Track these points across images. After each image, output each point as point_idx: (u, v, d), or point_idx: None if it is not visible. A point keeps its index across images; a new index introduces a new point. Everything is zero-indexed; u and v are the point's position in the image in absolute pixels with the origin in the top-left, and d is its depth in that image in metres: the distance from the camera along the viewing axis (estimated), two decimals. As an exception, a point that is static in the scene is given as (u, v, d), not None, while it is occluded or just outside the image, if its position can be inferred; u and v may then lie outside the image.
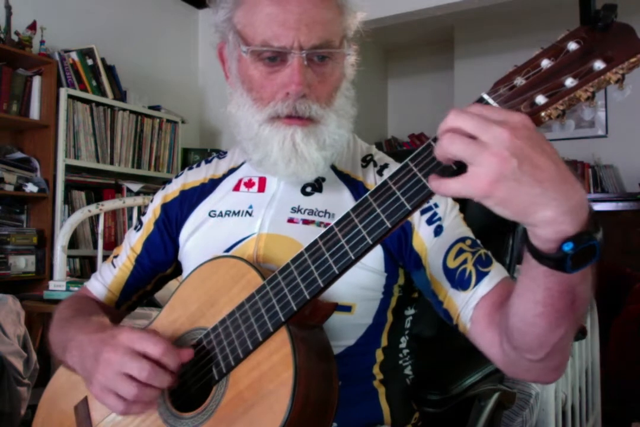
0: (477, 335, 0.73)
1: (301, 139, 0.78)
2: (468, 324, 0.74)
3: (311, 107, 0.78)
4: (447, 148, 0.50)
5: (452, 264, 0.77)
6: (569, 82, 0.49)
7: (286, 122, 0.79)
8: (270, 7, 0.76)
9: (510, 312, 0.62)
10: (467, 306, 0.74)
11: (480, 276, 0.75)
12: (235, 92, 0.84)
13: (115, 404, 0.66)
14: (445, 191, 0.51)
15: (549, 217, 0.49)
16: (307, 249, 0.65)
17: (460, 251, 0.77)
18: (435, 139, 0.56)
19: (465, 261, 0.76)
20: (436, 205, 0.82)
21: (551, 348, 0.62)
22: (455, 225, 0.82)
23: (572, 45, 0.49)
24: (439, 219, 0.81)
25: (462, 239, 0.79)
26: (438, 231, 0.80)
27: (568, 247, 0.49)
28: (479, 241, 0.81)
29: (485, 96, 0.53)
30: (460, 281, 0.75)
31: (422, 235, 0.81)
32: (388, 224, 0.57)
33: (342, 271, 0.62)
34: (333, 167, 0.89)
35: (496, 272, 0.75)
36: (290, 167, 0.80)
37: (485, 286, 0.74)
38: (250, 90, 0.81)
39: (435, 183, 0.52)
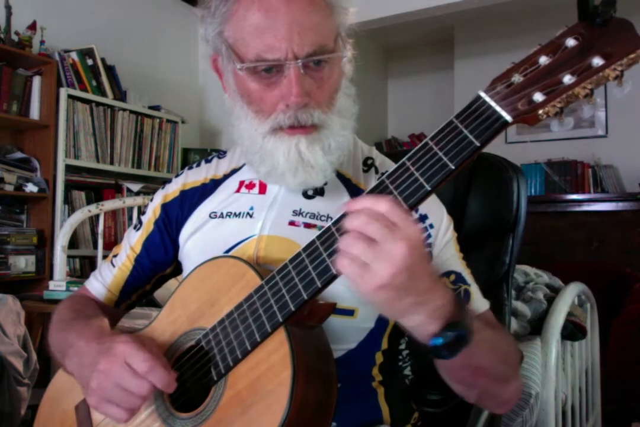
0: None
1: (306, 147, 0.77)
2: None
3: (313, 114, 0.77)
4: (348, 248, 0.55)
5: None
6: (567, 79, 0.48)
7: (289, 133, 0.78)
8: (259, 19, 0.74)
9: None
10: None
11: None
12: (235, 105, 0.82)
13: (118, 414, 0.67)
14: (340, 268, 0.57)
15: (417, 320, 0.58)
16: (305, 249, 0.64)
17: None
18: (433, 138, 0.56)
19: None
20: (431, 226, 0.83)
21: (476, 398, 0.73)
22: (444, 255, 0.83)
23: (571, 42, 0.48)
24: (429, 244, 0.82)
25: (447, 274, 0.81)
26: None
27: (436, 342, 0.59)
28: (464, 273, 0.84)
29: (482, 94, 0.52)
30: None
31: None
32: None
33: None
34: (335, 170, 0.88)
35: (472, 309, 0.78)
36: (298, 176, 0.79)
37: None
38: (250, 103, 0.79)
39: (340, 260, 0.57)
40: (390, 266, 0.53)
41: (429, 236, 0.82)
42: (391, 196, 0.57)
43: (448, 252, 0.84)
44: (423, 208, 0.82)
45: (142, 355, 0.67)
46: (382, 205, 0.55)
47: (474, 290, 0.84)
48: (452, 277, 0.81)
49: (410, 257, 0.53)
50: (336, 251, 0.61)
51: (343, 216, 0.61)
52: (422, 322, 0.58)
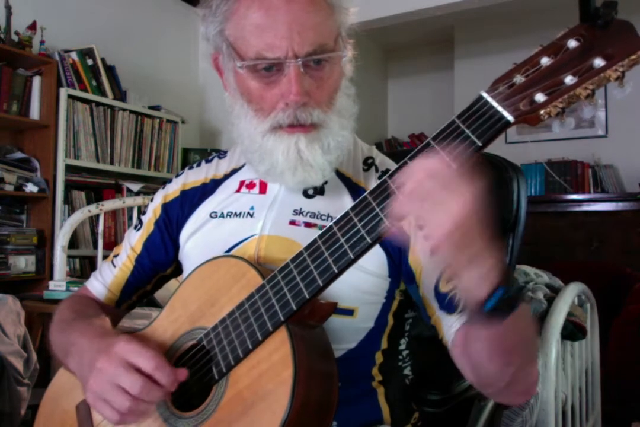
0: (455, 356, 0.75)
1: (305, 146, 0.78)
2: (449, 344, 0.76)
3: (312, 113, 0.77)
4: (402, 208, 0.55)
5: (444, 288, 0.77)
6: (569, 79, 0.48)
7: (288, 131, 0.78)
8: (260, 17, 0.75)
9: (467, 351, 0.69)
10: (450, 329, 0.75)
11: None
12: (236, 103, 0.83)
13: (109, 414, 0.67)
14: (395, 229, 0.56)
15: (477, 278, 0.57)
16: (307, 248, 0.65)
17: None
18: (435, 138, 0.56)
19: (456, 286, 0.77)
20: None
21: (507, 381, 0.68)
22: None
23: (572, 43, 0.49)
24: None
25: None
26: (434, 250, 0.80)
27: (494, 299, 0.57)
28: None
29: (484, 94, 0.53)
30: (448, 305, 0.76)
31: (419, 252, 0.81)
32: (387, 223, 0.57)
33: (342, 270, 0.61)
34: (335, 169, 0.88)
35: None
36: (297, 175, 0.79)
37: None
38: (249, 101, 0.80)
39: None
40: (448, 222, 0.52)
41: None
42: (441, 156, 0.56)
43: None
44: None
45: (147, 353, 0.67)
46: (435, 164, 0.54)
47: None
48: None
49: (467, 213, 0.53)
50: (339, 249, 0.61)
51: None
52: (479, 279, 0.57)
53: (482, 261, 0.56)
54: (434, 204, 0.53)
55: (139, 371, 0.67)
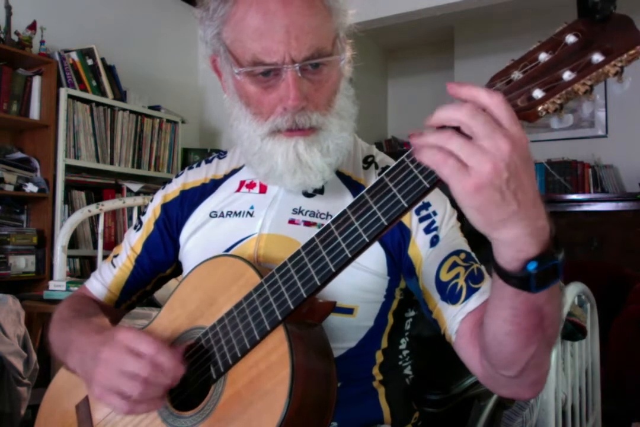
0: (460, 348, 0.74)
1: (304, 149, 0.78)
2: (453, 336, 0.75)
3: (311, 117, 0.77)
4: (445, 142, 0.50)
5: (444, 277, 0.77)
6: (567, 75, 0.48)
7: (287, 135, 0.78)
8: (257, 22, 0.74)
9: (484, 330, 0.65)
10: (454, 319, 0.75)
11: (470, 291, 0.75)
12: (234, 105, 0.83)
13: (119, 404, 0.67)
14: (435, 164, 0.50)
15: (514, 236, 0.51)
16: (304, 247, 0.64)
17: (454, 265, 0.78)
18: None
19: (457, 276, 0.77)
20: (435, 213, 0.82)
21: (524, 365, 0.64)
22: (451, 236, 0.82)
23: (570, 38, 0.48)
24: (436, 228, 0.81)
25: (457, 252, 0.79)
26: (434, 241, 0.80)
27: (532, 267, 0.52)
28: (473, 254, 0.81)
29: (482, 91, 0.52)
30: (450, 295, 0.76)
31: (419, 244, 0.81)
32: (384, 221, 0.57)
33: (339, 269, 0.61)
34: (335, 171, 0.88)
35: (486, 288, 0.75)
36: (296, 178, 0.79)
37: (473, 302, 0.74)
38: (248, 105, 0.80)
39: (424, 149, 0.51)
40: (490, 161, 0.47)
41: (433, 222, 0.82)
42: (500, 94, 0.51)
43: (455, 235, 0.83)
44: (426, 198, 0.82)
45: (147, 339, 0.67)
46: (489, 98, 0.49)
47: (485, 270, 0.81)
48: (462, 255, 0.79)
49: (512, 156, 0.48)
50: (336, 248, 0.61)
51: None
52: (520, 238, 0.51)
53: (528, 218, 0.51)
54: (476, 143, 0.48)
55: (142, 355, 0.66)
